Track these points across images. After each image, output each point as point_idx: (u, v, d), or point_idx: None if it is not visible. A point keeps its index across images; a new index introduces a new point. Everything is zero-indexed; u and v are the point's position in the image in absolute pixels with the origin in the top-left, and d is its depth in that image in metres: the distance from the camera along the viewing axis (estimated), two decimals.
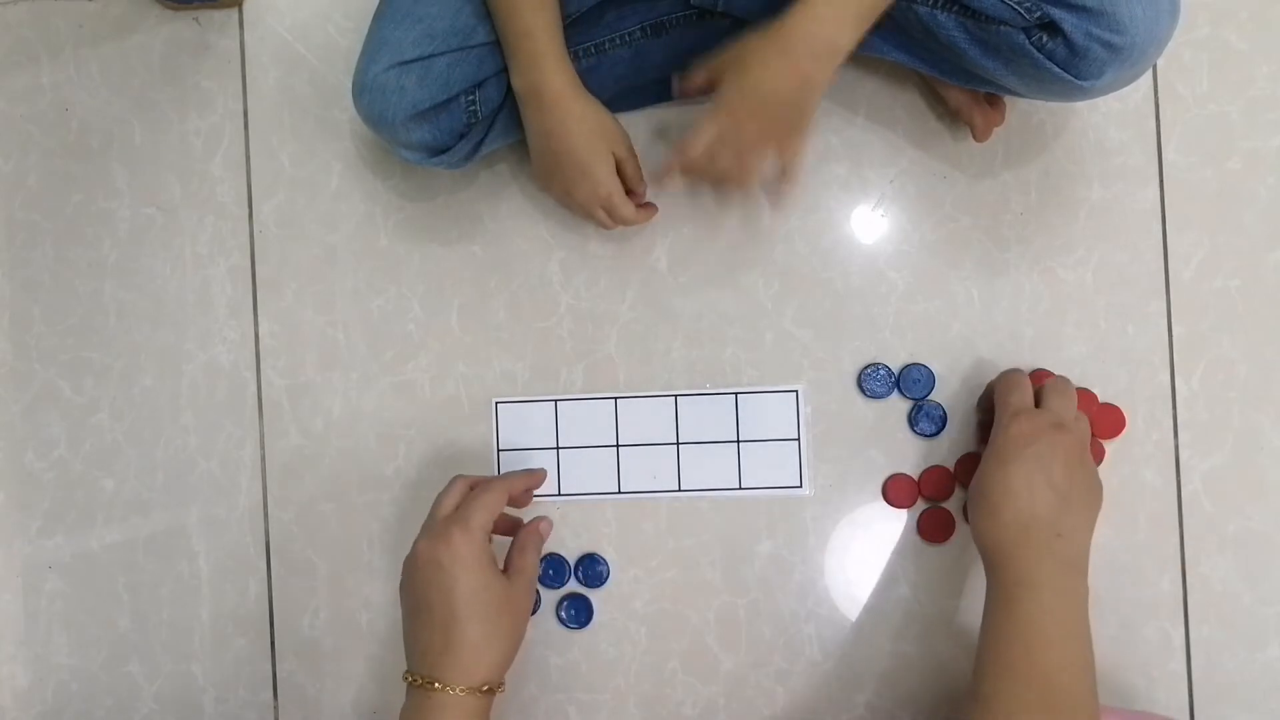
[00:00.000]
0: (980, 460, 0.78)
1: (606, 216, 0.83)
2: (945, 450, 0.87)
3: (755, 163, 0.76)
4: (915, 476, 0.87)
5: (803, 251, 0.88)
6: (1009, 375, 0.82)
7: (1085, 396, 0.86)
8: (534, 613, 0.87)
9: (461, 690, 0.71)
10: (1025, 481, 0.74)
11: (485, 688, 0.72)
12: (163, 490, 0.90)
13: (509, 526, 0.83)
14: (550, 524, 0.83)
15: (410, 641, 0.75)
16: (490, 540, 0.77)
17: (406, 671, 0.74)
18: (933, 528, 0.86)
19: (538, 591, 0.87)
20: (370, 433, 0.89)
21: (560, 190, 0.82)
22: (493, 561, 0.75)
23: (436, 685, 0.72)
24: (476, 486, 0.79)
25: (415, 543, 0.76)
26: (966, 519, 0.79)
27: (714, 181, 0.80)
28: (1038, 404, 0.79)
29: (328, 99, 0.90)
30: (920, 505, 0.87)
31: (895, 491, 0.86)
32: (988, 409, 0.84)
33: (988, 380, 0.87)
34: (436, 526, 0.76)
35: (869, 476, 0.87)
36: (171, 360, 0.90)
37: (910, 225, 0.88)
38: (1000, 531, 0.74)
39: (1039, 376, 0.84)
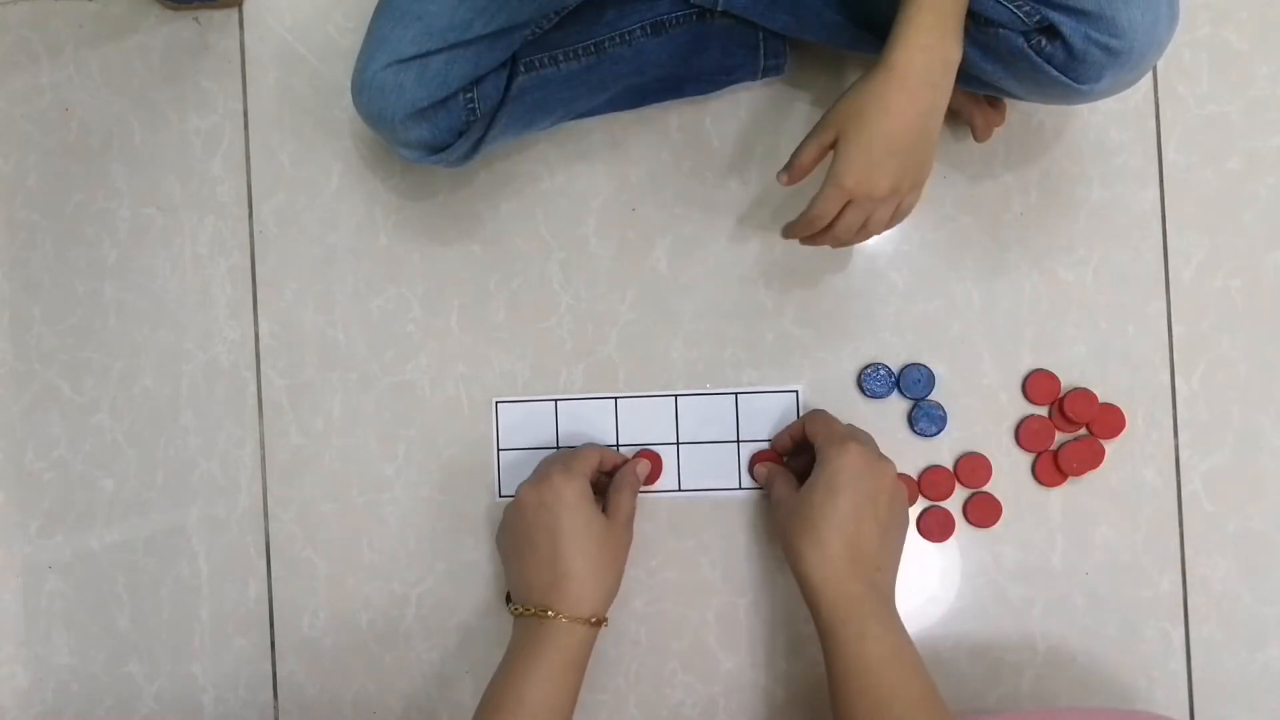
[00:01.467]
0: (803, 489, 0.78)
1: None
2: (945, 450, 0.87)
3: (885, 213, 0.74)
4: (915, 476, 0.87)
5: (803, 251, 0.88)
6: (820, 411, 0.84)
7: (1085, 396, 0.86)
8: None
9: (573, 620, 0.76)
10: (854, 514, 0.75)
11: (593, 619, 0.77)
12: (163, 490, 0.90)
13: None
14: (649, 466, 0.86)
15: (517, 579, 0.80)
16: (591, 485, 0.81)
17: (513, 605, 0.79)
18: (932, 528, 0.86)
19: None
20: (370, 433, 0.89)
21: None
22: (593, 502, 0.80)
23: (550, 613, 0.76)
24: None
25: (519, 488, 0.81)
26: (781, 545, 0.79)
27: (836, 242, 0.77)
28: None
29: (328, 99, 0.90)
30: (921, 504, 0.87)
31: None
32: (792, 448, 0.86)
33: (988, 380, 0.87)
34: (540, 472, 0.81)
35: None
36: (171, 360, 0.90)
37: (910, 225, 0.88)
38: (828, 566, 0.74)
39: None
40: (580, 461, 0.81)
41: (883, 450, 0.87)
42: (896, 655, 0.73)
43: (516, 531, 0.80)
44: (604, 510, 0.81)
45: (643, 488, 0.87)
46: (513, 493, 0.83)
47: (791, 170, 0.75)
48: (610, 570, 0.79)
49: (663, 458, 0.88)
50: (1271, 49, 0.88)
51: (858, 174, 0.71)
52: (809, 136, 0.74)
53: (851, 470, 0.76)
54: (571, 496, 0.78)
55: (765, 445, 0.87)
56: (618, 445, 0.88)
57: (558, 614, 0.76)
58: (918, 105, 0.69)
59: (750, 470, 0.87)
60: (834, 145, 0.72)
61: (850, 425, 0.83)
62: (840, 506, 0.75)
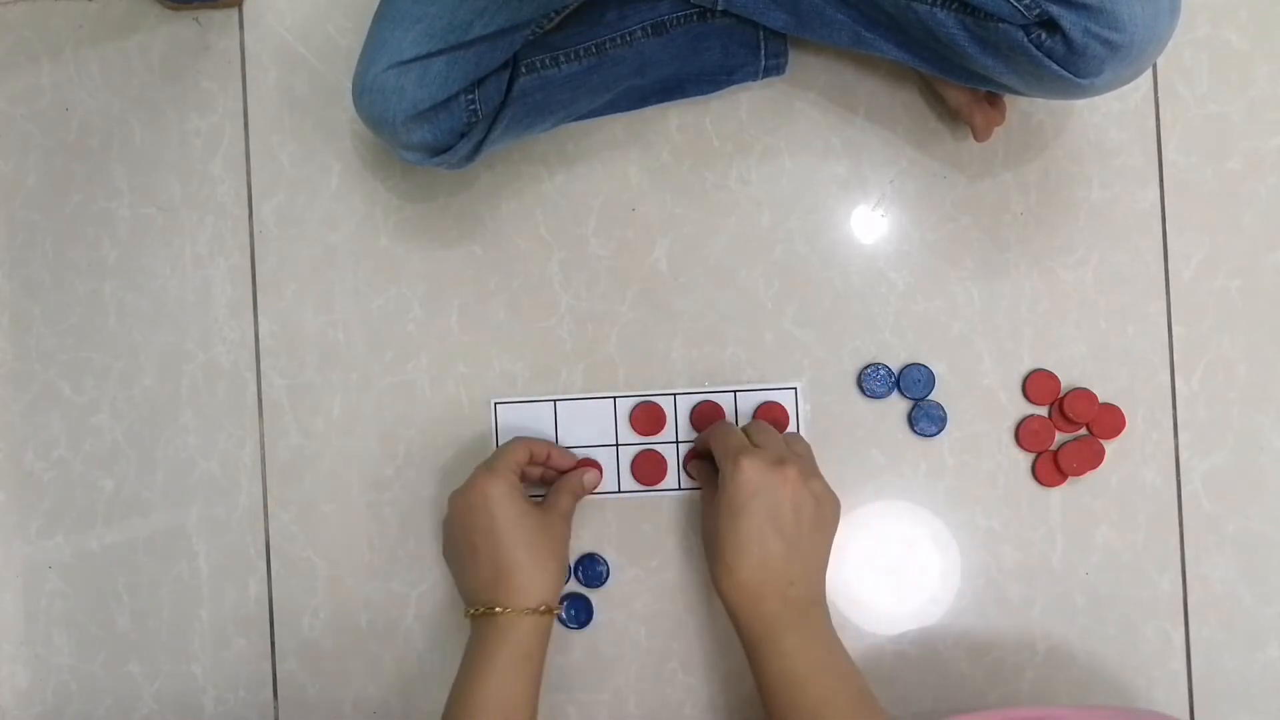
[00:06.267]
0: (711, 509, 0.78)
1: None
2: (945, 450, 0.87)
3: None
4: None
5: (803, 251, 0.88)
6: (721, 424, 0.84)
7: (1085, 396, 0.86)
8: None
9: (521, 611, 0.75)
10: (757, 536, 0.74)
11: (541, 608, 0.76)
12: (163, 490, 0.90)
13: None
14: (597, 476, 0.86)
15: (464, 585, 0.80)
16: (520, 481, 0.80)
17: (466, 610, 0.79)
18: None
19: None
20: (370, 433, 0.89)
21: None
22: (524, 496, 0.79)
23: (497, 610, 0.76)
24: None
25: (449, 498, 0.81)
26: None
27: None
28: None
29: (328, 99, 0.90)
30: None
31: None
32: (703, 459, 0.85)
33: (987, 380, 0.87)
34: (468, 479, 0.80)
35: (869, 476, 0.87)
36: (171, 360, 0.90)
37: (910, 225, 0.88)
38: (738, 592, 0.74)
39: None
40: (502, 458, 0.80)
41: (882, 450, 0.87)
42: (821, 667, 0.73)
43: (454, 539, 0.80)
44: (542, 506, 0.81)
45: (643, 489, 0.87)
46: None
47: None
48: (552, 558, 0.78)
49: (665, 457, 0.87)
50: (1271, 49, 0.88)
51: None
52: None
53: (747, 489, 0.74)
54: (498, 492, 0.78)
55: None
56: (617, 445, 0.88)
57: (505, 608, 0.76)
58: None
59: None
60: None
61: (759, 424, 0.82)
62: (741, 529, 0.74)
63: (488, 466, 0.80)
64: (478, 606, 0.77)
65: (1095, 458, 0.86)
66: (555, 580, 0.79)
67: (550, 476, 0.86)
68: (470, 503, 0.79)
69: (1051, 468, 0.86)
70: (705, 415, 0.87)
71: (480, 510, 0.78)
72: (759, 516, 0.74)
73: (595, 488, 0.86)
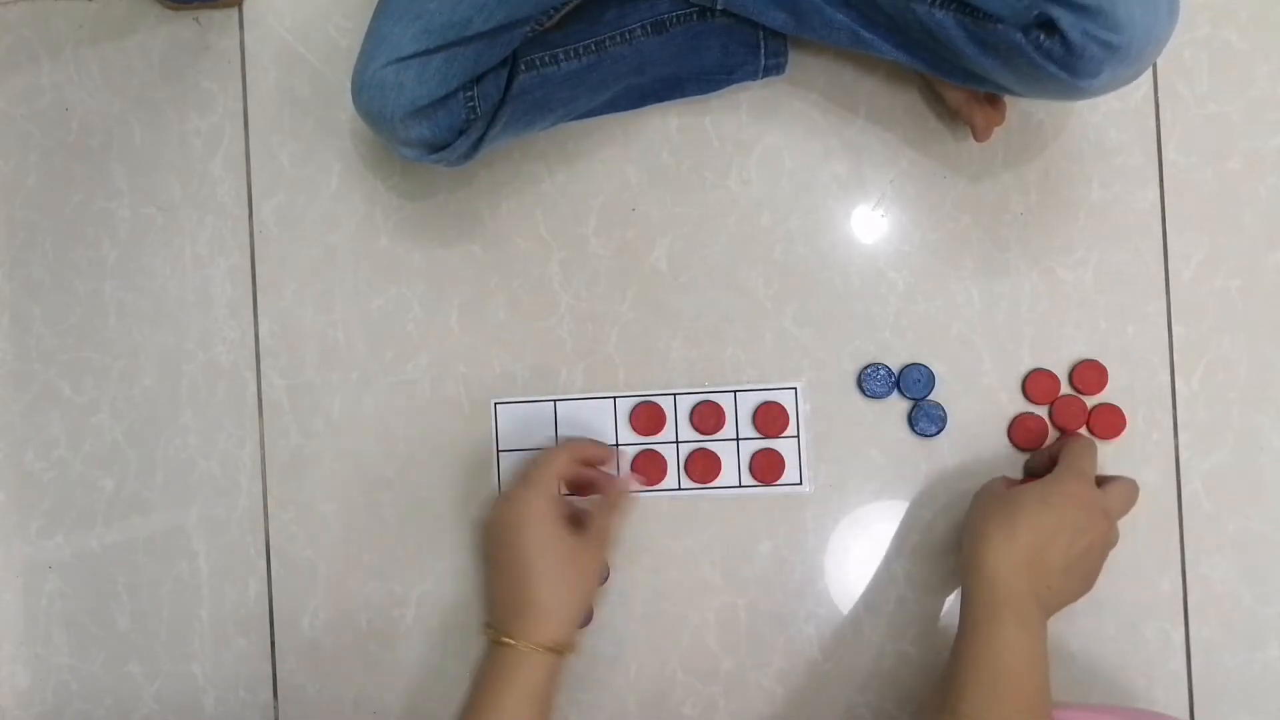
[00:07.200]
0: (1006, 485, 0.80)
1: None
2: (945, 450, 0.87)
3: None
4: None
5: (803, 251, 0.88)
6: (1087, 441, 0.83)
7: (1082, 397, 0.86)
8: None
9: (533, 647, 0.74)
10: (1054, 527, 0.75)
11: (556, 647, 0.75)
12: (163, 490, 0.90)
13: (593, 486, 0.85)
14: (635, 491, 0.85)
15: (489, 598, 0.81)
16: (560, 495, 0.79)
17: (485, 624, 0.79)
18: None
19: None
20: (370, 433, 0.89)
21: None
22: (560, 517, 0.77)
23: (509, 641, 0.75)
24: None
25: (493, 504, 0.81)
26: (968, 525, 0.79)
27: None
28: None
29: (328, 99, 0.90)
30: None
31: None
32: (1039, 466, 0.86)
33: (987, 380, 0.87)
34: (510, 486, 0.80)
35: (869, 476, 0.87)
36: (171, 360, 0.90)
37: (910, 225, 0.88)
38: (1010, 553, 0.74)
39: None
40: (542, 470, 0.79)
41: (882, 450, 0.87)
42: (1029, 666, 0.73)
43: (487, 551, 0.80)
44: (581, 523, 0.80)
45: (643, 489, 0.87)
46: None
47: None
48: (574, 593, 0.77)
49: (665, 457, 0.88)
50: (1271, 49, 0.88)
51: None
52: None
53: (1072, 498, 0.76)
54: (533, 514, 0.76)
55: (765, 442, 0.87)
56: (617, 445, 0.88)
57: (519, 642, 0.75)
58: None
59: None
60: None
61: (1120, 479, 0.82)
62: (1046, 518, 0.75)
63: (526, 480, 0.78)
64: (494, 630, 0.77)
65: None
66: (574, 617, 0.77)
67: (600, 481, 0.84)
68: (503, 518, 0.78)
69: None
70: (705, 415, 0.87)
71: (510, 529, 0.77)
72: (1066, 520, 0.75)
73: (650, 478, 0.86)
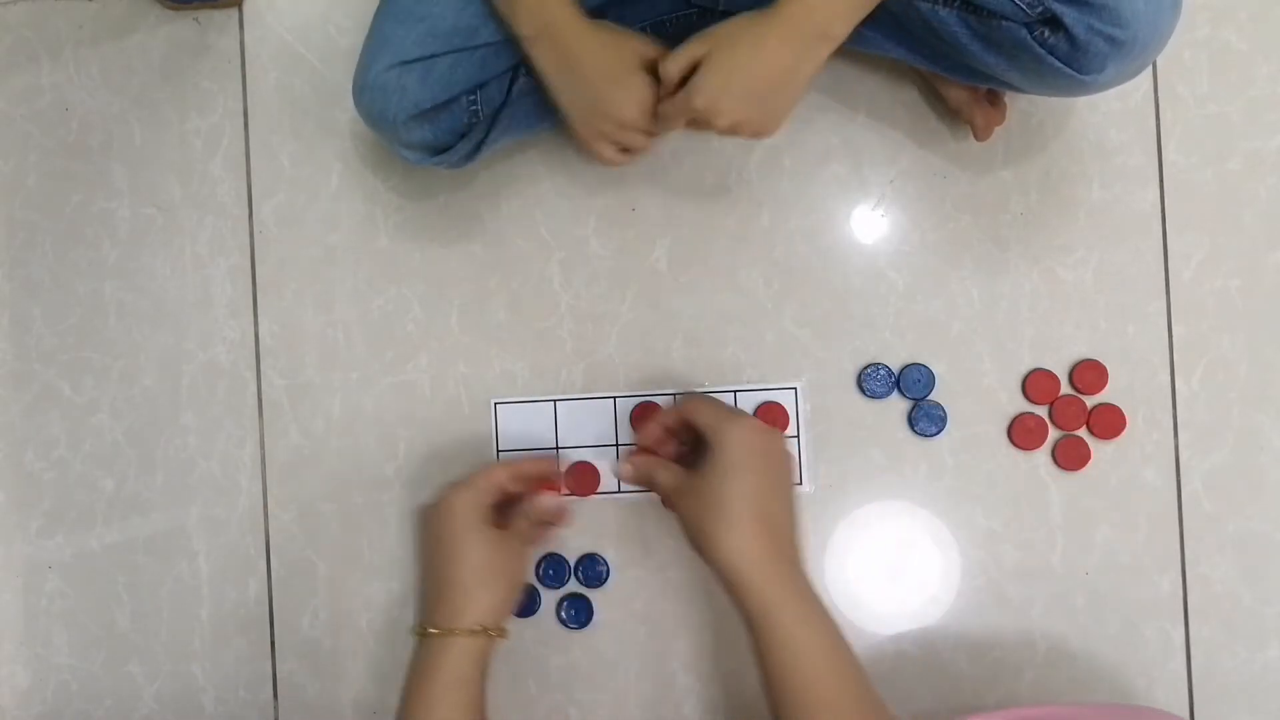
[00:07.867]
0: (697, 479, 0.74)
1: (641, 138, 0.77)
2: (945, 450, 0.87)
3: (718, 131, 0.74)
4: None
5: (803, 251, 0.88)
6: (692, 398, 0.81)
7: (1082, 394, 0.86)
8: (533, 613, 0.87)
9: (454, 633, 0.74)
10: (764, 489, 0.72)
11: (478, 628, 0.74)
12: (163, 490, 0.90)
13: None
14: (566, 512, 0.82)
15: (420, 597, 0.80)
16: (488, 502, 0.78)
17: (411, 626, 0.78)
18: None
19: (538, 592, 0.87)
20: (370, 433, 0.89)
21: (600, 116, 0.75)
22: (484, 517, 0.78)
23: (431, 630, 0.74)
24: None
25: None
26: (688, 535, 0.74)
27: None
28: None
29: (328, 99, 0.90)
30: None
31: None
32: (664, 438, 0.80)
33: (987, 380, 0.87)
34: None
35: (869, 476, 0.87)
36: (171, 360, 0.90)
37: (910, 225, 0.88)
38: (751, 549, 0.70)
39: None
40: (477, 476, 0.79)
41: (882, 450, 0.87)
42: (834, 636, 0.70)
43: (418, 551, 0.81)
44: (508, 527, 0.79)
45: (643, 488, 0.86)
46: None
47: (663, 73, 0.73)
48: (498, 577, 0.76)
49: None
50: (1271, 49, 0.88)
51: (708, 99, 0.71)
52: (681, 49, 0.72)
53: (752, 446, 0.72)
54: (457, 506, 0.77)
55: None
56: (617, 445, 0.88)
57: (438, 629, 0.74)
58: (787, 59, 0.70)
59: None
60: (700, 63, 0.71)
61: (708, 397, 0.80)
62: (749, 484, 0.71)
63: (457, 483, 0.79)
64: (419, 624, 0.76)
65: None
66: (499, 601, 0.76)
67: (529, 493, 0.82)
68: (428, 516, 0.79)
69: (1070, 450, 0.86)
70: None
71: (434, 523, 0.78)
72: (763, 472, 0.72)
73: (557, 514, 0.82)
